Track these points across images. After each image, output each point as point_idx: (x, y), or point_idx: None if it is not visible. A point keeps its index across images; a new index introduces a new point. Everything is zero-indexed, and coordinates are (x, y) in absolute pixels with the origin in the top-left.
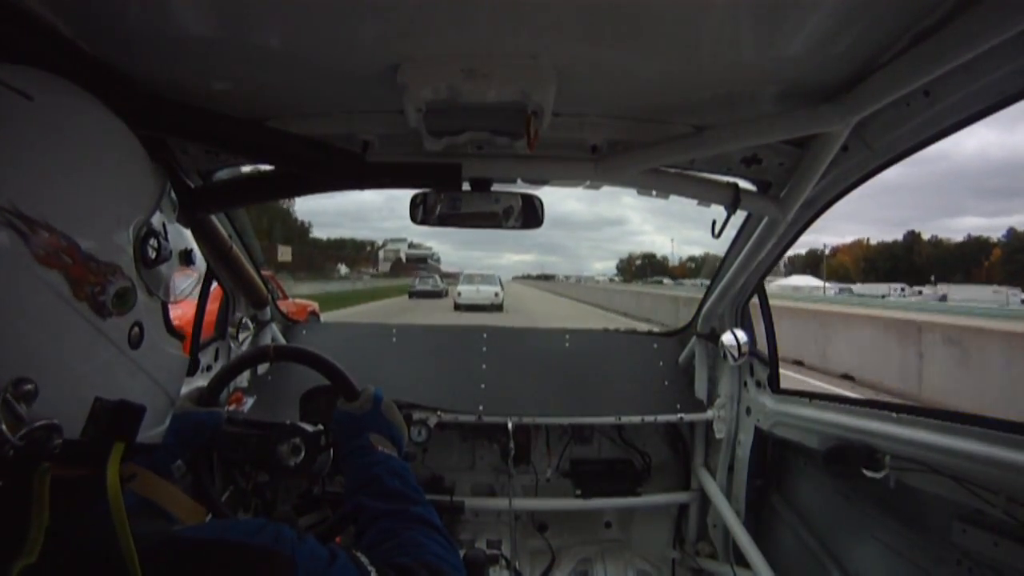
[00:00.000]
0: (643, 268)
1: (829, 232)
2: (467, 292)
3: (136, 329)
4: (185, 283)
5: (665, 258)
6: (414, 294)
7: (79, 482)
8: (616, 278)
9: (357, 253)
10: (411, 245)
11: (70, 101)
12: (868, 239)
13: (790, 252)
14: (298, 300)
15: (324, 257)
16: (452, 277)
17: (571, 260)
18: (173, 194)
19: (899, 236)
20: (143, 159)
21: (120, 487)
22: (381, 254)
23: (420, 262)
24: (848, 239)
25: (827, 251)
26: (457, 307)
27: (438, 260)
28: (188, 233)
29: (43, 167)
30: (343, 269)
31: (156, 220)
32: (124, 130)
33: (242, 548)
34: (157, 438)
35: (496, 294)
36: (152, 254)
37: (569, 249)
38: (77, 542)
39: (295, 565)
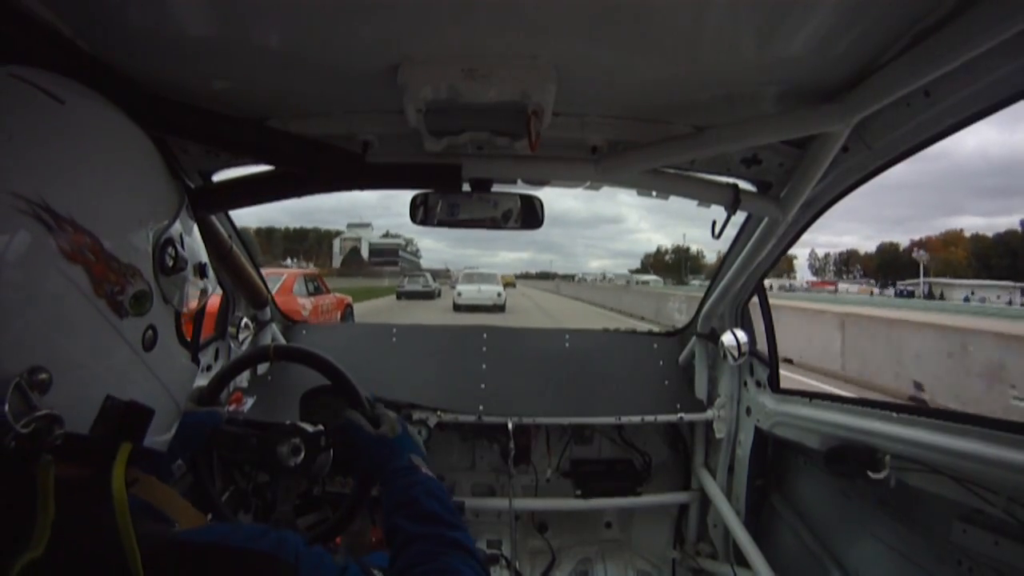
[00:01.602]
0: (675, 265)
1: (828, 232)
2: (467, 292)
3: (150, 332)
4: (196, 295)
5: (700, 252)
6: (402, 295)
7: (83, 481)
8: (655, 279)
9: (319, 245)
10: (386, 235)
11: (98, 108)
12: (961, 230)
13: (840, 251)
14: (337, 294)
15: (279, 250)
16: (440, 276)
17: (568, 259)
18: (190, 207)
19: (898, 236)
20: (164, 170)
21: (125, 489)
22: (336, 244)
23: (386, 255)
24: (936, 233)
25: (907, 248)
26: (457, 308)
27: (416, 254)
28: (203, 248)
29: (72, 167)
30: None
31: (175, 230)
32: (146, 140)
33: (243, 553)
34: (162, 445)
35: (499, 294)
36: (169, 262)
37: (565, 247)
38: (80, 540)
39: (298, 573)
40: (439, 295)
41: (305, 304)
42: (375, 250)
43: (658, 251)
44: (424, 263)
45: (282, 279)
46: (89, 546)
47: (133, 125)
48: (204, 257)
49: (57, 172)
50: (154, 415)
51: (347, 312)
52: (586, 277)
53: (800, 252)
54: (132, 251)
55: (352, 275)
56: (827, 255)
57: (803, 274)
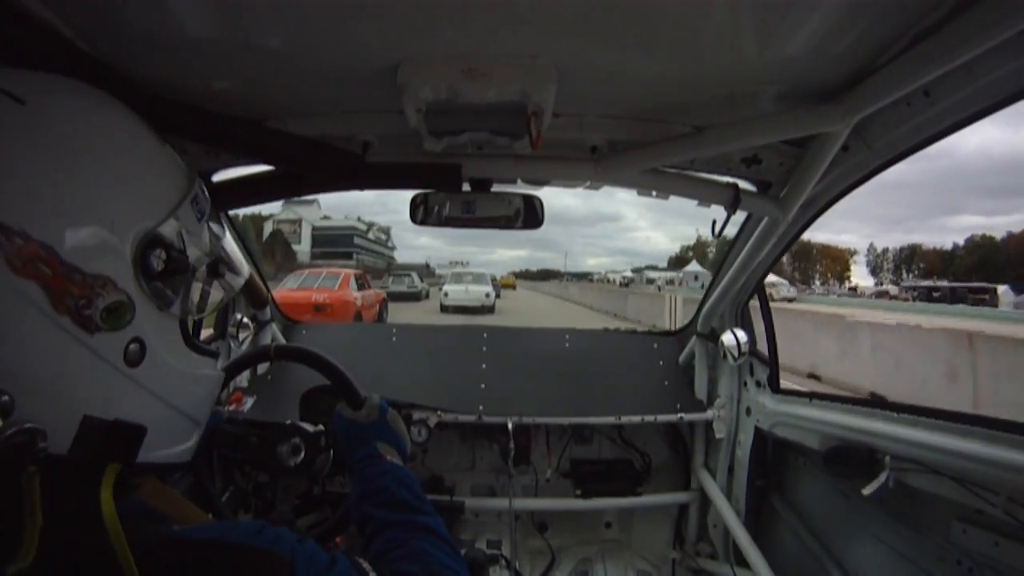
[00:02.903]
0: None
1: (828, 231)
2: (455, 292)
3: (135, 346)
4: (208, 298)
5: None
6: (388, 296)
7: (72, 496)
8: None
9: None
10: (358, 220)
11: (71, 103)
12: None
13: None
14: (375, 290)
15: None
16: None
17: (567, 257)
18: (201, 201)
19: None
20: (158, 164)
21: (115, 509)
22: (268, 229)
23: (337, 245)
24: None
25: (1004, 240)
26: (444, 308)
27: (387, 244)
28: (219, 243)
29: (24, 173)
30: None
31: (168, 228)
32: (137, 135)
33: (241, 549)
34: (181, 456)
35: (487, 295)
36: (157, 265)
37: (562, 245)
38: (71, 549)
39: (294, 568)
40: (427, 296)
41: (357, 297)
42: (320, 237)
43: (698, 241)
44: (400, 256)
45: (340, 277)
46: (80, 555)
47: (121, 119)
48: (218, 252)
49: (6, 179)
50: (146, 432)
51: (383, 305)
52: (639, 274)
53: (848, 248)
54: (100, 259)
55: (271, 276)
56: (886, 250)
57: (866, 279)
